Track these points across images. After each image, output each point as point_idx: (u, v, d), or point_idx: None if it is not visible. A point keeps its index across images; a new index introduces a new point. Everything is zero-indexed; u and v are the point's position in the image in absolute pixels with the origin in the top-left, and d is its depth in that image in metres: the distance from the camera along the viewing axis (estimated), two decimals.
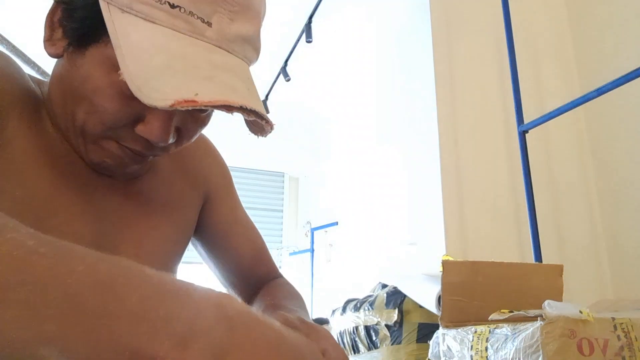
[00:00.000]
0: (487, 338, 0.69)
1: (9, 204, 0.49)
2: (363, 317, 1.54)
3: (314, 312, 3.76)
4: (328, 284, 3.83)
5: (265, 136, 0.54)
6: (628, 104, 1.75)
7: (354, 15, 2.95)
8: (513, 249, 1.66)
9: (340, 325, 1.67)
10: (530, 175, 1.52)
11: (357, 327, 1.57)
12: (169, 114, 0.50)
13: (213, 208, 0.75)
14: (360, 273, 3.35)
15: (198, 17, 0.47)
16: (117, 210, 0.59)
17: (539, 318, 0.63)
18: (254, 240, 0.82)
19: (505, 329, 0.67)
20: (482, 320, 0.75)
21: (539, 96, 1.89)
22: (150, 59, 0.44)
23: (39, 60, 1.86)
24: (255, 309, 0.36)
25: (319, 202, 4.41)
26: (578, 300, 0.87)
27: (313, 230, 4.15)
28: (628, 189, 1.74)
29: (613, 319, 0.64)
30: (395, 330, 1.43)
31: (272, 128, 0.52)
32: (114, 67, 0.45)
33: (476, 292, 0.81)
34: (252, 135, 0.54)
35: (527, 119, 1.58)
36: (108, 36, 0.45)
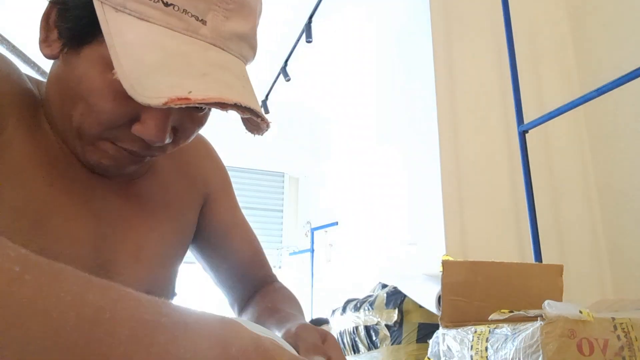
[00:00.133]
0: (487, 338, 0.69)
1: (6, 207, 0.49)
2: (363, 317, 1.54)
3: (314, 312, 3.76)
4: (328, 284, 3.84)
5: (261, 134, 0.53)
6: (628, 104, 1.75)
7: (354, 15, 2.95)
8: (513, 249, 1.66)
9: (340, 325, 1.67)
10: (530, 175, 1.52)
11: (357, 327, 1.57)
12: (165, 113, 0.49)
13: (212, 210, 0.75)
14: (360, 273, 3.35)
15: (192, 15, 0.47)
16: (116, 212, 0.59)
17: (539, 318, 0.63)
18: (252, 243, 0.81)
19: (505, 329, 0.67)
20: (482, 320, 0.75)
21: (539, 96, 1.89)
22: (144, 57, 0.44)
23: (39, 60, 1.87)
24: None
25: (319, 202, 4.41)
26: (578, 300, 0.87)
27: (313, 230, 4.15)
28: (628, 188, 1.74)
29: (613, 319, 0.64)
30: (395, 330, 1.43)
31: (268, 126, 0.52)
32: (109, 66, 0.44)
33: (476, 292, 0.81)
34: (249, 133, 0.54)
35: (527, 119, 1.58)
36: (102, 36, 0.45)
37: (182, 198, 0.69)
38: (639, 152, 1.71)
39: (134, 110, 0.49)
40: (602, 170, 1.85)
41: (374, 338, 1.49)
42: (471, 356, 0.71)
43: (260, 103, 4.21)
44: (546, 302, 0.62)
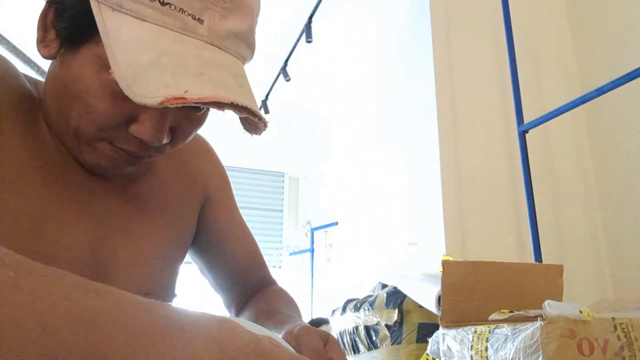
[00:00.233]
0: (487, 338, 0.69)
1: (3, 211, 0.49)
2: (363, 317, 1.54)
3: (314, 312, 3.76)
4: (328, 284, 3.83)
5: (259, 134, 0.53)
6: (628, 104, 1.75)
7: (354, 15, 2.95)
8: (513, 249, 1.66)
9: (340, 325, 1.67)
10: (530, 175, 1.52)
11: (357, 327, 1.57)
12: (162, 113, 0.49)
13: (211, 212, 0.75)
14: (360, 273, 3.35)
15: (189, 14, 0.46)
16: (115, 215, 0.59)
17: (539, 318, 0.63)
18: (251, 246, 0.81)
19: (505, 329, 0.67)
20: (482, 320, 0.75)
21: (539, 96, 1.89)
22: (140, 56, 0.44)
23: (39, 61, 1.87)
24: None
25: (319, 202, 4.41)
26: (578, 300, 0.87)
27: (313, 230, 4.15)
28: (628, 188, 1.74)
29: (613, 319, 0.64)
30: (395, 330, 1.43)
31: (265, 126, 0.52)
32: (106, 66, 0.44)
33: (476, 292, 0.81)
34: (247, 133, 0.54)
35: (527, 119, 1.58)
36: (99, 35, 0.44)
37: (182, 199, 0.69)
38: (639, 153, 1.71)
39: (131, 110, 0.49)
40: (602, 170, 1.85)
41: (374, 338, 1.49)
42: (471, 356, 0.71)
43: (260, 103, 4.19)
44: (546, 302, 0.62)
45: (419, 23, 1.90)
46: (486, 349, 0.69)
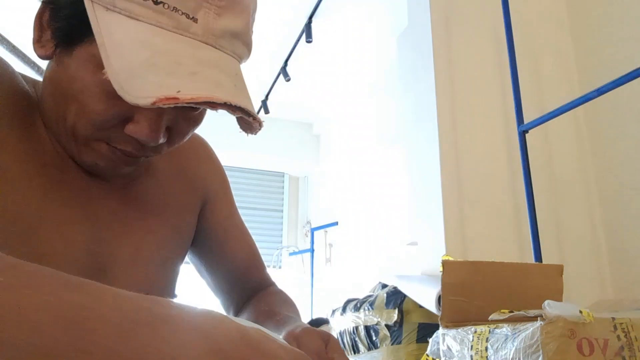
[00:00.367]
0: (487, 338, 0.69)
1: (0, 212, 0.49)
2: (363, 317, 1.54)
3: (314, 312, 3.76)
4: (328, 284, 3.84)
5: (255, 134, 0.52)
6: (628, 104, 1.75)
7: (354, 15, 2.95)
8: (513, 249, 1.66)
9: (340, 325, 1.67)
10: (530, 175, 1.52)
11: (357, 327, 1.57)
12: (158, 113, 0.49)
13: (210, 212, 0.75)
14: (360, 273, 3.35)
15: (183, 13, 0.46)
16: (113, 215, 0.58)
17: (539, 318, 0.63)
18: (250, 247, 0.80)
19: (505, 329, 0.67)
20: (482, 320, 0.75)
21: (539, 96, 1.89)
22: (134, 56, 0.44)
23: (39, 60, 1.86)
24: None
25: (319, 202, 4.42)
26: (578, 300, 0.87)
27: (313, 230, 4.15)
28: (628, 188, 1.74)
29: (613, 319, 0.64)
30: (395, 330, 1.43)
31: (260, 125, 0.51)
32: (100, 66, 0.44)
33: (476, 292, 0.81)
34: (243, 133, 0.54)
35: (527, 119, 1.58)
36: (94, 35, 0.44)
37: (181, 200, 0.69)
38: (639, 152, 1.71)
39: (127, 110, 0.48)
40: (602, 170, 1.85)
41: (374, 338, 1.49)
42: (471, 356, 0.71)
43: (260, 103, 4.19)
44: (546, 302, 0.62)
45: (419, 23, 1.90)
46: (486, 349, 0.69)
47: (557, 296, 0.86)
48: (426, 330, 1.39)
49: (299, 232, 4.67)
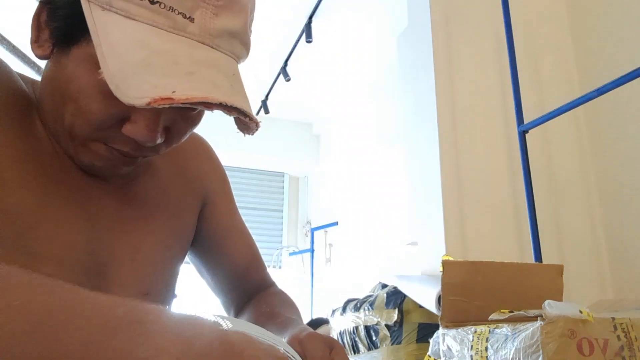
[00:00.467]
0: (487, 338, 0.69)
1: None
2: (363, 317, 1.54)
3: (314, 312, 3.76)
4: (328, 284, 3.84)
5: (252, 134, 0.52)
6: (628, 104, 1.75)
7: (354, 15, 2.95)
8: (513, 249, 1.66)
9: (340, 325, 1.67)
10: (530, 175, 1.52)
11: (357, 327, 1.57)
12: (155, 113, 0.49)
13: (210, 213, 0.74)
14: (360, 273, 3.35)
15: (179, 13, 0.46)
16: (112, 215, 0.58)
17: (539, 318, 0.63)
18: (250, 247, 0.80)
19: (505, 329, 0.67)
20: (482, 320, 0.75)
21: (539, 96, 1.89)
22: (130, 56, 0.43)
23: (39, 60, 1.86)
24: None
25: (319, 202, 4.42)
26: (578, 300, 0.87)
27: (313, 230, 4.15)
28: (628, 188, 1.74)
29: (613, 319, 0.64)
30: (395, 330, 1.43)
31: (257, 126, 0.51)
32: (97, 66, 0.44)
33: (476, 292, 0.81)
34: (240, 133, 0.53)
35: (527, 119, 1.58)
36: (90, 35, 0.44)
37: (181, 200, 0.69)
38: (639, 152, 1.71)
39: (124, 110, 0.48)
40: (602, 170, 1.85)
41: (374, 338, 1.49)
42: (471, 356, 0.71)
43: (260, 103, 4.17)
44: (546, 302, 0.62)
45: (419, 23, 1.90)
46: (486, 349, 0.69)
47: (557, 296, 0.86)
48: (426, 330, 1.39)
49: (299, 232, 4.67)
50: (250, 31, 0.54)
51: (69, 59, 0.49)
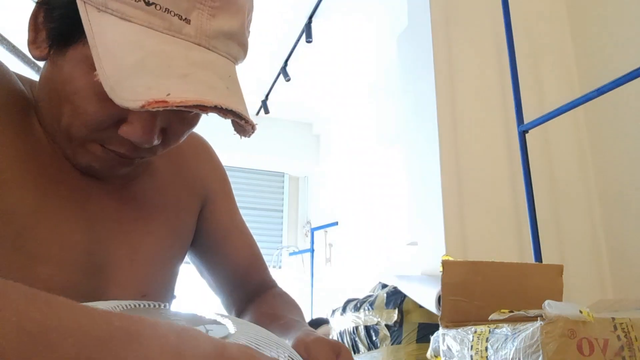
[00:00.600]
0: (487, 338, 0.69)
1: None
2: (363, 317, 1.54)
3: (314, 312, 3.76)
4: (328, 284, 3.84)
5: (248, 137, 0.52)
6: (628, 104, 1.75)
7: (354, 15, 2.95)
8: (513, 249, 1.66)
9: (340, 325, 1.67)
10: (530, 175, 1.52)
11: (357, 327, 1.57)
12: (151, 114, 0.49)
13: (210, 213, 0.74)
14: (360, 273, 3.35)
15: (175, 14, 0.46)
16: (111, 215, 0.58)
17: (539, 318, 0.63)
18: (251, 247, 0.80)
19: (505, 329, 0.67)
20: (482, 320, 0.75)
21: (539, 96, 1.89)
22: (125, 58, 0.43)
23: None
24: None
25: (319, 202, 4.42)
26: (578, 300, 0.87)
27: (313, 230, 4.15)
28: (628, 188, 1.74)
29: (613, 319, 0.64)
30: (395, 330, 1.43)
31: (253, 129, 0.50)
32: (93, 67, 0.44)
33: (476, 292, 0.81)
34: (237, 135, 0.53)
35: (527, 119, 1.58)
36: (86, 36, 0.44)
37: (180, 200, 0.68)
38: (639, 152, 1.71)
39: (121, 112, 0.48)
40: (602, 170, 1.85)
41: (374, 338, 1.49)
42: (471, 356, 0.71)
43: (260, 103, 4.17)
44: (546, 302, 0.62)
45: (419, 23, 1.90)
46: (486, 349, 0.69)
47: (557, 296, 0.86)
48: (426, 330, 1.39)
49: (299, 232, 4.67)
50: (249, 32, 0.54)
51: (66, 60, 0.48)
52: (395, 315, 1.43)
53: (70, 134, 0.51)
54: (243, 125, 0.50)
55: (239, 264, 0.77)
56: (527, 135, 1.56)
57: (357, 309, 1.59)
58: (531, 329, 0.62)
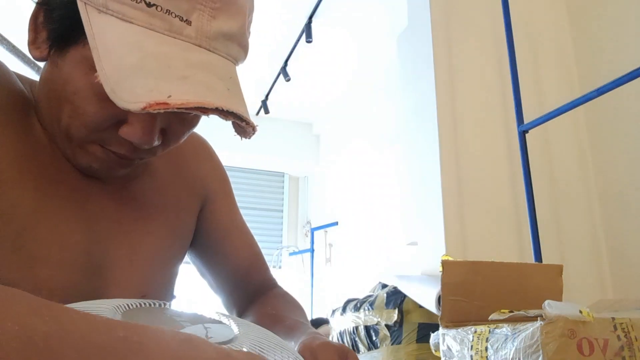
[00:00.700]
0: (487, 338, 0.69)
1: None
2: (363, 317, 1.54)
3: (314, 312, 3.76)
4: (328, 284, 3.84)
5: (249, 138, 0.52)
6: (628, 104, 1.75)
7: (354, 15, 2.95)
8: (513, 249, 1.66)
9: (340, 325, 1.67)
10: (530, 175, 1.52)
11: (357, 327, 1.57)
12: (152, 115, 0.49)
13: (210, 212, 0.74)
14: (360, 273, 3.35)
15: (176, 16, 0.46)
16: (110, 216, 0.58)
17: (539, 318, 0.63)
18: (252, 247, 0.79)
19: (505, 329, 0.67)
20: (482, 320, 0.75)
21: (539, 96, 1.89)
22: (125, 59, 0.43)
23: None
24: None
25: (319, 202, 4.41)
26: (578, 300, 0.87)
27: (313, 230, 4.15)
28: (628, 188, 1.74)
29: (613, 319, 0.64)
30: (395, 330, 1.43)
31: (254, 130, 0.50)
32: (93, 68, 0.44)
33: (476, 292, 0.81)
34: (238, 136, 0.53)
35: (527, 119, 1.58)
36: (87, 37, 0.44)
37: (180, 200, 0.68)
38: (639, 152, 1.71)
39: (121, 113, 0.48)
40: (602, 170, 1.85)
41: (374, 338, 1.49)
42: (471, 356, 0.71)
43: (260, 103, 4.16)
44: (546, 302, 0.62)
45: (419, 23, 1.90)
46: (486, 349, 0.69)
47: (557, 296, 0.86)
48: (426, 330, 1.39)
49: (299, 232, 4.67)
50: (249, 33, 0.54)
51: (65, 61, 0.48)
52: (395, 315, 1.43)
53: (70, 135, 0.51)
54: (244, 127, 0.49)
55: (240, 264, 0.77)
56: (527, 135, 1.56)
57: (357, 309, 1.59)
58: (531, 329, 0.62)
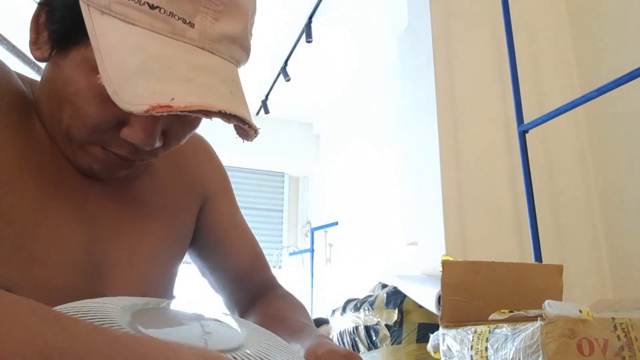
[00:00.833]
0: (487, 338, 0.69)
1: None
2: (363, 317, 1.54)
3: (314, 312, 3.76)
4: (328, 284, 3.84)
5: (250, 141, 0.51)
6: (628, 104, 1.75)
7: (354, 15, 2.95)
8: (513, 249, 1.66)
9: (340, 325, 1.67)
10: (530, 175, 1.52)
11: (357, 327, 1.57)
12: (153, 117, 0.48)
13: (211, 212, 0.74)
14: (360, 273, 3.35)
15: (179, 18, 0.46)
16: (110, 216, 0.58)
17: (539, 318, 0.63)
18: (253, 247, 0.79)
19: (505, 329, 0.67)
20: (482, 320, 0.75)
21: (539, 96, 1.89)
22: (127, 61, 0.43)
23: None
24: None
25: (319, 202, 4.42)
26: (578, 301, 0.87)
27: (313, 230, 4.15)
28: (628, 188, 1.74)
29: (613, 319, 0.64)
30: (395, 330, 1.43)
31: (256, 133, 0.50)
32: (95, 69, 0.44)
33: (476, 292, 0.81)
34: (239, 138, 0.53)
35: (527, 119, 1.58)
36: (89, 38, 0.44)
37: (180, 200, 0.68)
38: (639, 153, 1.71)
39: (122, 114, 0.48)
40: (602, 170, 1.85)
41: (374, 338, 1.49)
42: (471, 356, 0.71)
43: (260, 103, 4.17)
44: (546, 302, 0.62)
45: (419, 23, 1.90)
46: (486, 349, 0.69)
47: (557, 296, 0.86)
48: (426, 330, 1.39)
49: (299, 232, 4.67)
50: (251, 35, 0.54)
51: (67, 62, 0.48)
52: (395, 315, 1.43)
53: (70, 135, 0.51)
54: (246, 130, 0.49)
55: (241, 264, 0.76)
56: (527, 135, 1.56)
57: (357, 309, 1.59)
58: (531, 329, 0.62)
